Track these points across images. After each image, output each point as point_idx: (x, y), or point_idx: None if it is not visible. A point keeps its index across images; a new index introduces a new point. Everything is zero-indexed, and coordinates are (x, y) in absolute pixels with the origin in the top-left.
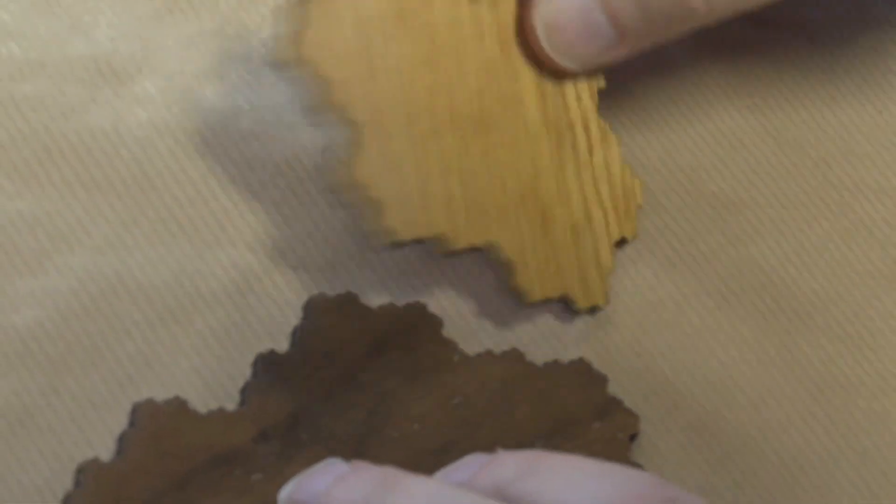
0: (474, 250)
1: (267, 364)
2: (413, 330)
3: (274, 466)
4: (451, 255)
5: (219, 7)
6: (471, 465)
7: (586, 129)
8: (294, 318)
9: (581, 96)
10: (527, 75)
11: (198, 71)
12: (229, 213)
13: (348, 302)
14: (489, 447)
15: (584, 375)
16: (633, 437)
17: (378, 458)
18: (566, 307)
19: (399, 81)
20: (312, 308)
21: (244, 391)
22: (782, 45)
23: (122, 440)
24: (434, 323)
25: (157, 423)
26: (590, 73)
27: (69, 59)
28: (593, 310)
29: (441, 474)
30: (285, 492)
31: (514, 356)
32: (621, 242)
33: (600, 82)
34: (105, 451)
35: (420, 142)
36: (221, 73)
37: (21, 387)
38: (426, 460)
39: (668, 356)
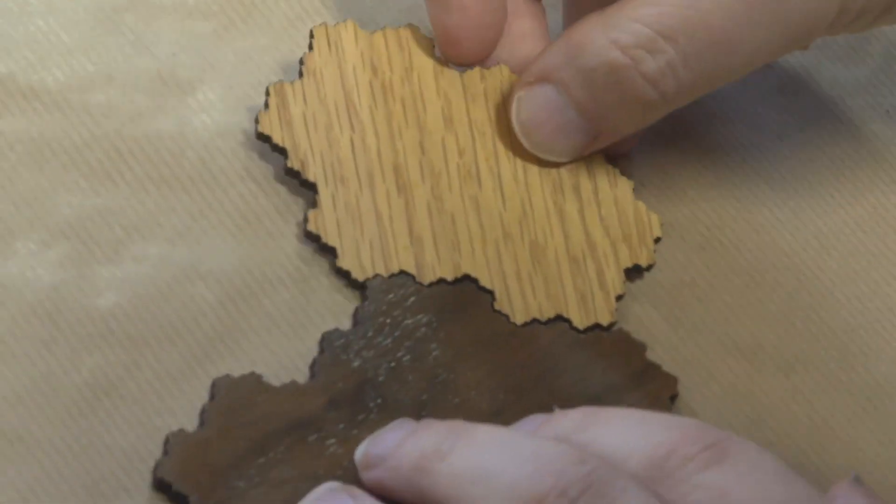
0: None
1: (332, 340)
2: (466, 305)
3: (345, 432)
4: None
5: (272, 25)
6: (533, 422)
7: (591, 174)
8: (353, 299)
9: None
10: None
11: (254, 81)
12: (290, 206)
13: (404, 282)
14: (539, 410)
15: (624, 343)
16: (673, 398)
17: (438, 421)
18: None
19: (363, 147)
20: (372, 289)
21: (313, 366)
22: None
23: (204, 412)
24: (484, 298)
25: (234, 396)
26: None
27: (135, 72)
28: (599, 327)
29: None
30: (361, 450)
31: (558, 326)
32: (637, 269)
33: None
34: (185, 419)
35: (384, 196)
36: (274, 83)
37: (105, 362)
38: (479, 419)
39: (702, 329)
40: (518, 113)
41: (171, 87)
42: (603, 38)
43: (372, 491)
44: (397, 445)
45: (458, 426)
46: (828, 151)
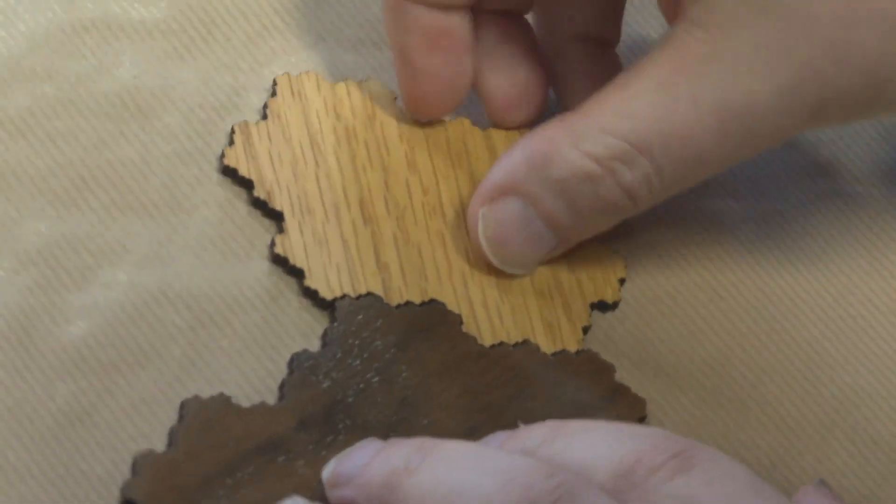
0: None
1: (302, 361)
2: (434, 325)
3: (314, 453)
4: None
5: (231, 43)
6: (498, 438)
7: None
8: (322, 320)
9: None
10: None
11: (216, 104)
12: (256, 229)
13: (373, 303)
14: (511, 427)
15: (592, 364)
16: (641, 420)
17: None
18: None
19: (328, 182)
20: (341, 309)
21: (282, 387)
22: None
23: (173, 433)
24: (453, 319)
25: (203, 417)
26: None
27: (97, 97)
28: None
29: None
30: (328, 469)
31: (528, 347)
32: (603, 304)
33: None
34: (158, 443)
35: (350, 226)
36: (238, 105)
37: (77, 389)
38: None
39: (669, 344)
40: (484, 230)
41: (133, 111)
42: (572, 149)
43: None
44: (365, 464)
45: (426, 443)
46: (789, 161)
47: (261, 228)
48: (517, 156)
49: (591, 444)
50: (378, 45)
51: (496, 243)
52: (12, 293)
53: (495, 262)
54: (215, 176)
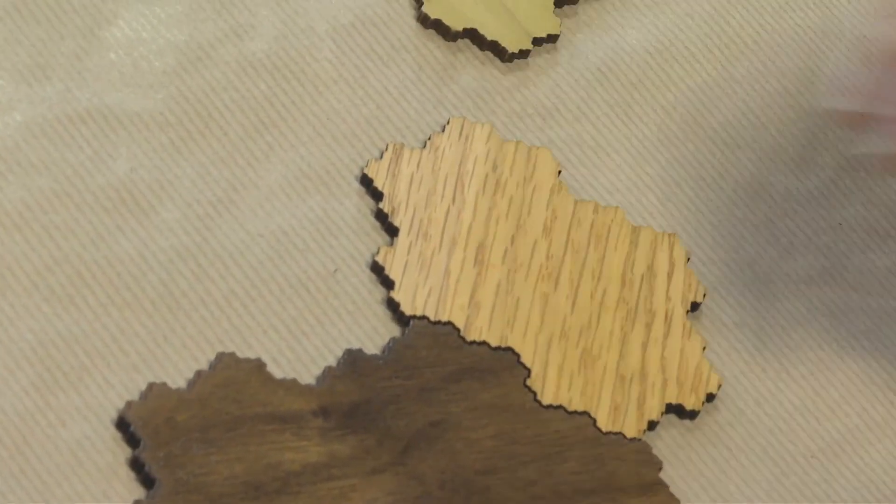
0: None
1: (353, 357)
2: (499, 371)
3: (322, 438)
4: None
5: (228, 137)
6: None
7: (668, 320)
8: (393, 333)
9: (672, 297)
10: (616, 265)
11: (213, 198)
12: (252, 329)
13: (448, 332)
14: (527, 485)
15: (642, 454)
16: None
17: (421, 461)
18: None
19: (456, 218)
20: (415, 326)
21: (324, 374)
22: None
23: (195, 376)
24: (519, 372)
25: (230, 373)
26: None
27: (94, 190)
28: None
29: None
30: None
31: (584, 420)
32: (681, 409)
33: (698, 296)
34: None
35: (459, 261)
36: (234, 200)
37: (75, 493)
38: (463, 474)
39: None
40: None
41: (130, 206)
42: None
43: None
44: None
45: None
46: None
47: (258, 328)
48: None
49: None
50: (359, 139)
51: None
52: (8, 395)
53: None
54: (213, 272)
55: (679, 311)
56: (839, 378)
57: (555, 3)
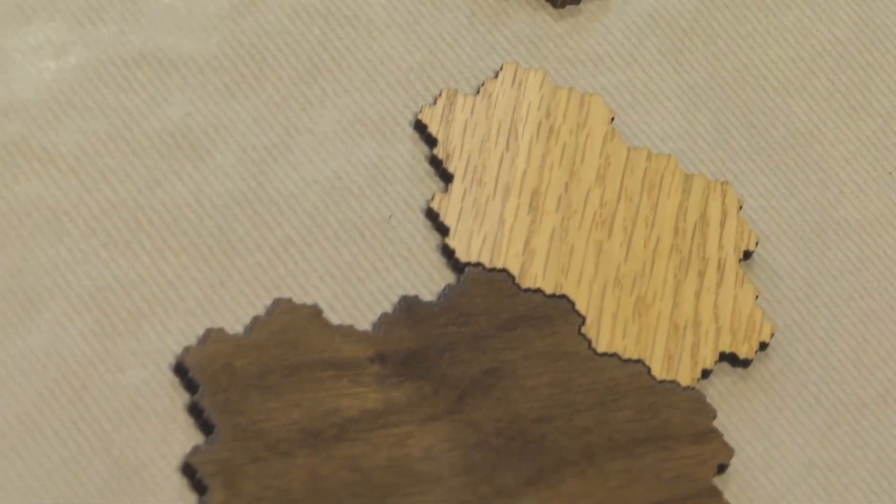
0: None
1: (408, 304)
2: (553, 318)
3: (380, 385)
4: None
5: (283, 81)
6: None
7: (720, 268)
8: (449, 280)
9: (724, 245)
10: (668, 213)
11: (268, 143)
12: (308, 275)
13: (504, 279)
14: (581, 433)
15: (696, 403)
16: (721, 468)
17: (477, 409)
18: None
19: (510, 165)
20: (469, 273)
21: (378, 321)
22: None
23: (253, 322)
24: (574, 319)
25: (288, 319)
26: None
27: (149, 134)
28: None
29: None
30: None
31: (638, 367)
32: (734, 358)
33: (751, 244)
34: None
35: (514, 208)
36: (289, 145)
37: (134, 440)
38: (518, 423)
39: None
40: None
41: (185, 150)
42: None
43: None
44: None
45: None
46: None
47: (313, 273)
48: None
49: None
50: (416, 86)
51: None
52: (67, 340)
53: None
54: (268, 217)
55: (732, 259)
56: (890, 328)
57: None
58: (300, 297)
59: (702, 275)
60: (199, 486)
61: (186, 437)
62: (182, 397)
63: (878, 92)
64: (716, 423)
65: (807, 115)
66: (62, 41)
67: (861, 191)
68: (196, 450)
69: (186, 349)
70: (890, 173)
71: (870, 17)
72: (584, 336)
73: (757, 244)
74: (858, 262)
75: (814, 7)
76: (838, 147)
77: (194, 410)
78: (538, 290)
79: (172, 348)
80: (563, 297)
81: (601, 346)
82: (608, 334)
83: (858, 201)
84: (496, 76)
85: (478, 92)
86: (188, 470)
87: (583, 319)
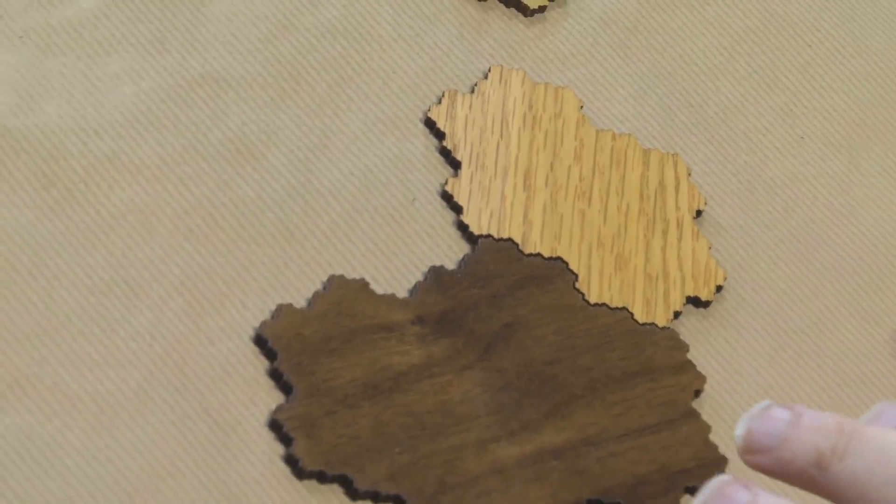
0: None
1: (437, 273)
2: (553, 277)
3: (421, 342)
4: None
5: (316, 91)
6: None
7: (679, 226)
8: (465, 250)
9: (680, 207)
10: (634, 182)
11: (311, 144)
12: (354, 253)
13: (510, 246)
14: (585, 371)
15: (671, 340)
16: (697, 393)
17: (501, 357)
18: None
19: (505, 151)
20: (483, 244)
21: (414, 288)
22: None
23: (314, 297)
24: (569, 276)
25: (342, 292)
26: None
27: (213, 144)
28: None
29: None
30: (741, 430)
31: (624, 314)
32: (697, 300)
33: (701, 204)
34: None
35: (512, 187)
36: (327, 145)
37: (228, 401)
38: (534, 367)
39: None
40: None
41: (245, 154)
42: None
43: (756, 470)
44: (784, 438)
45: (845, 425)
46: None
47: (363, 258)
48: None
49: None
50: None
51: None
52: (165, 322)
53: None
54: (318, 208)
55: (687, 218)
56: (816, 265)
57: None
58: (349, 273)
59: (665, 233)
60: (285, 439)
61: (270, 397)
62: (263, 364)
63: (787, 70)
64: (689, 356)
65: (732, 94)
66: (136, 69)
67: (781, 153)
68: (280, 408)
69: (263, 323)
70: (801, 137)
71: (773, 10)
72: (578, 290)
73: (706, 204)
74: (785, 212)
75: (728, 3)
76: (759, 118)
77: (274, 375)
78: (538, 255)
79: (251, 322)
80: (559, 258)
81: (592, 298)
82: (597, 287)
83: (780, 162)
84: (486, 77)
85: (473, 91)
86: (274, 425)
87: (576, 276)
